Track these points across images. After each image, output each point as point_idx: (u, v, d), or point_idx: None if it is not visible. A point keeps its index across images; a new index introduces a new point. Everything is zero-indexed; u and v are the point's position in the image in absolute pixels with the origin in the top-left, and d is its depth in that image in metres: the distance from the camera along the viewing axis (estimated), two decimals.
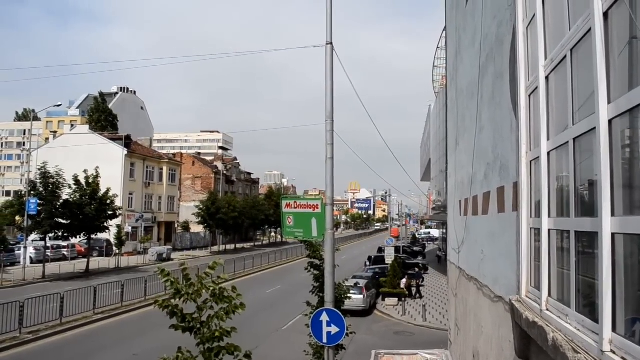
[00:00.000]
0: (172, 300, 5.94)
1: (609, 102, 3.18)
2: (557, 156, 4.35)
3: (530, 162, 5.22)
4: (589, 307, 3.61)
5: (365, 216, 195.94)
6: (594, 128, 3.32)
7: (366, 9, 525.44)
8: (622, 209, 3.08)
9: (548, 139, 4.54)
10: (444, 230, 56.53)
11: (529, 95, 5.29)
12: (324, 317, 9.40)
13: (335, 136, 10.22)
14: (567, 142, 3.95)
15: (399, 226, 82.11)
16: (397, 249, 44.20)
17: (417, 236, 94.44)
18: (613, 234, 3.11)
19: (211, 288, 6.05)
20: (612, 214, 3.12)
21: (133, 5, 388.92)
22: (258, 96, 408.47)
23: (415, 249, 63.85)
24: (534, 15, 5.04)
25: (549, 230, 4.51)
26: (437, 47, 59.54)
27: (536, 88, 4.92)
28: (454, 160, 13.02)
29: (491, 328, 7.57)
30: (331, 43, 9.79)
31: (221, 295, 6.06)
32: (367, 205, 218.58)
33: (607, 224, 3.13)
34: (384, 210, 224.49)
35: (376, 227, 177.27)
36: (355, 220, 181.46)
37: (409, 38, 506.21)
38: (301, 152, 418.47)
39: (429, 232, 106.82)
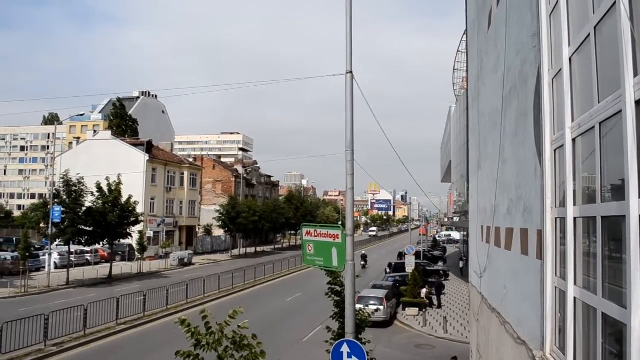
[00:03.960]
0: (193, 350, 5.94)
1: None
2: (584, 225, 4.24)
3: (556, 219, 5.12)
4: None
5: (385, 217, 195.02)
6: (624, 216, 3.23)
7: (387, 6, 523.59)
8: None
9: (574, 204, 4.44)
10: (465, 233, 55.47)
11: (555, 150, 5.18)
12: (345, 349, 9.35)
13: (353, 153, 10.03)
14: (595, 217, 3.85)
15: (424, 226, 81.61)
16: (417, 254, 43.69)
17: (438, 238, 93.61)
18: None
19: (231, 336, 6.04)
20: None
21: (155, 6, 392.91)
22: (278, 96, 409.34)
23: (435, 253, 63.09)
24: (561, 69, 4.94)
25: (574, 298, 4.40)
26: (458, 51, 59.13)
27: (562, 145, 4.82)
28: (476, 182, 12.87)
29: None
30: (351, 72, 9.71)
31: (241, 344, 6.05)
32: (386, 206, 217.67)
33: (637, 321, 3.03)
34: (404, 216, 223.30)
35: (371, 232, 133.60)
36: (375, 221, 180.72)
37: (429, 36, 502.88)
38: (321, 152, 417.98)
39: (450, 235, 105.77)
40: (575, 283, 4.40)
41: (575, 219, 4.41)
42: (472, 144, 14.06)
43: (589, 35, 4.07)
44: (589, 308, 4.13)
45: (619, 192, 3.41)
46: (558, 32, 5.05)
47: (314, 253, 10.34)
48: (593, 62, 4.00)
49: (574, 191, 4.48)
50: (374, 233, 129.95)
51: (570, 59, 4.69)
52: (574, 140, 4.50)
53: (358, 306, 13.79)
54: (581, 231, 4.34)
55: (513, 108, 7.77)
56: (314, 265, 10.51)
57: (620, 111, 3.33)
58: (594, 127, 3.93)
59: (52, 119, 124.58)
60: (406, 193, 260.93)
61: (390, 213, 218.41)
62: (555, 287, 5.09)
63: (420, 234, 73.72)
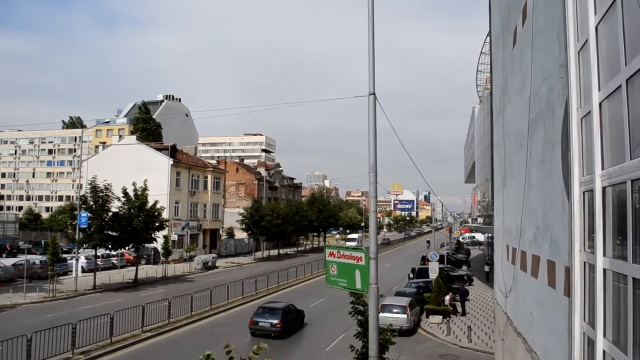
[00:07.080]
0: None
1: None
2: (614, 279, 4.15)
3: (584, 262, 5.01)
4: None
5: (408, 218, 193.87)
6: None
7: (409, 3, 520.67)
8: None
9: (604, 255, 4.34)
10: (489, 235, 54.50)
11: (584, 192, 5.08)
12: None
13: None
14: (626, 276, 3.76)
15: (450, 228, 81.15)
16: (441, 258, 43.01)
17: (462, 240, 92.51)
18: None
19: None
20: None
21: (178, 8, 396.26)
22: (302, 96, 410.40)
23: (459, 256, 62.13)
24: (590, 111, 4.83)
25: (604, 351, 4.31)
26: (481, 52, 58.58)
27: (591, 190, 4.72)
28: (501, 199, 12.71)
29: None
30: (374, 93, 9.68)
31: None
32: (410, 207, 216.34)
33: None
34: (427, 217, 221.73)
35: (349, 240, 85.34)
36: (398, 222, 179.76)
37: (453, 34, 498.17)
38: (344, 150, 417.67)
39: (474, 237, 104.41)
40: (604, 336, 4.31)
41: (605, 270, 4.32)
42: (496, 160, 13.89)
43: (620, 86, 3.98)
44: None
45: None
46: (587, 72, 4.95)
47: (337, 274, 10.34)
48: (625, 114, 3.90)
49: (604, 241, 4.38)
50: (354, 243, 78.09)
51: (600, 105, 4.60)
52: (604, 189, 4.41)
53: (381, 314, 13.65)
54: (611, 284, 4.24)
55: (539, 135, 7.64)
56: (337, 287, 10.49)
57: None
58: (625, 182, 3.84)
59: (72, 123, 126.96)
60: (429, 193, 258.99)
61: (414, 214, 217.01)
62: (584, 333, 4.99)
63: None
